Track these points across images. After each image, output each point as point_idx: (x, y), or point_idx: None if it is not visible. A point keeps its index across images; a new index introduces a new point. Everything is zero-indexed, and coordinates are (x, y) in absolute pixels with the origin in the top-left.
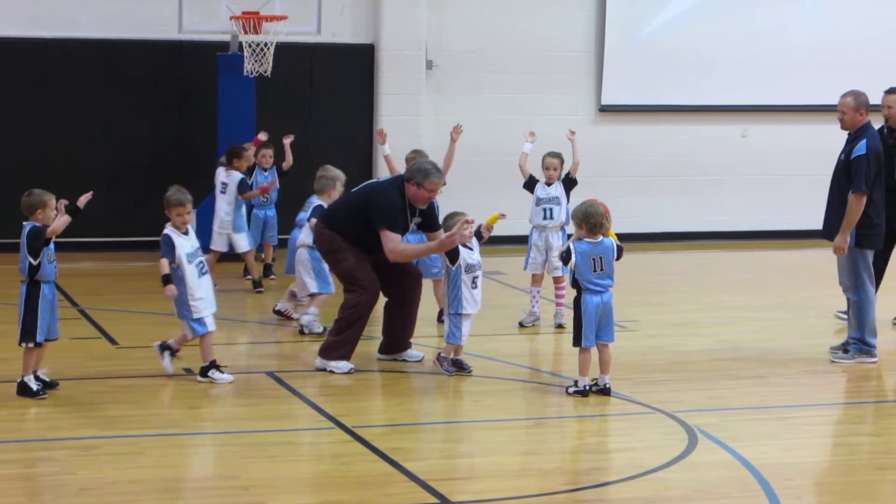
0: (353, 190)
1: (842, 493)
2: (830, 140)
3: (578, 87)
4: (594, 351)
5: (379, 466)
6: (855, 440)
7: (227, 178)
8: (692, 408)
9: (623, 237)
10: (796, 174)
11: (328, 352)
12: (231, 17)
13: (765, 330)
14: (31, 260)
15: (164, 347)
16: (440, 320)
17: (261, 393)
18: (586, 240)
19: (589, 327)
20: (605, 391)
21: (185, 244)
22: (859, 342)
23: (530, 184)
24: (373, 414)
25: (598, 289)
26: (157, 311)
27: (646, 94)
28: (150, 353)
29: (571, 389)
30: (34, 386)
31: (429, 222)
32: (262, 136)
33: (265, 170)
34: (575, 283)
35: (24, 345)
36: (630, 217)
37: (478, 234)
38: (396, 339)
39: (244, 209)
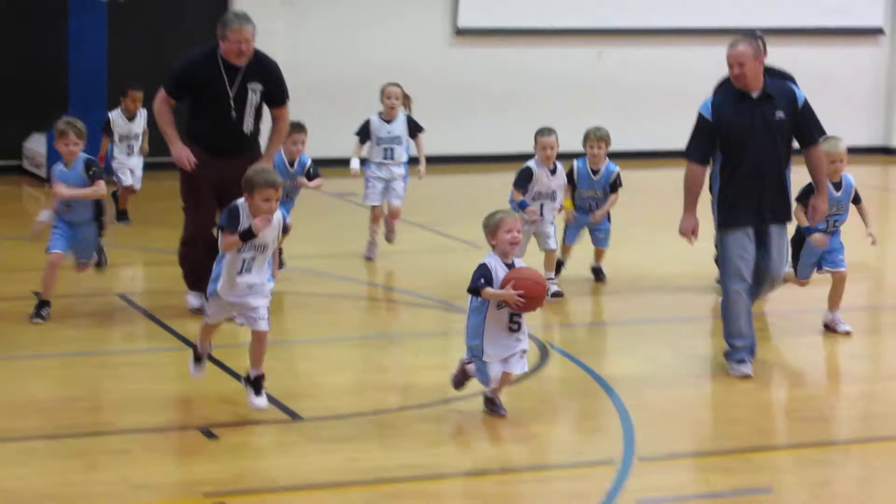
0: None
1: (690, 404)
2: (683, 62)
3: (433, 10)
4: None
5: (231, 385)
6: (704, 352)
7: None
8: (545, 323)
9: (477, 158)
10: (649, 96)
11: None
12: None
13: (615, 248)
14: None
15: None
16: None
17: (113, 314)
18: None
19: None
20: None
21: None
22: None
23: (365, 127)
24: (225, 334)
25: None
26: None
27: (501, 17)
28: None
29: None
30: None
31: (273, 96)
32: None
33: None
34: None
35: None
36: (486, 139)
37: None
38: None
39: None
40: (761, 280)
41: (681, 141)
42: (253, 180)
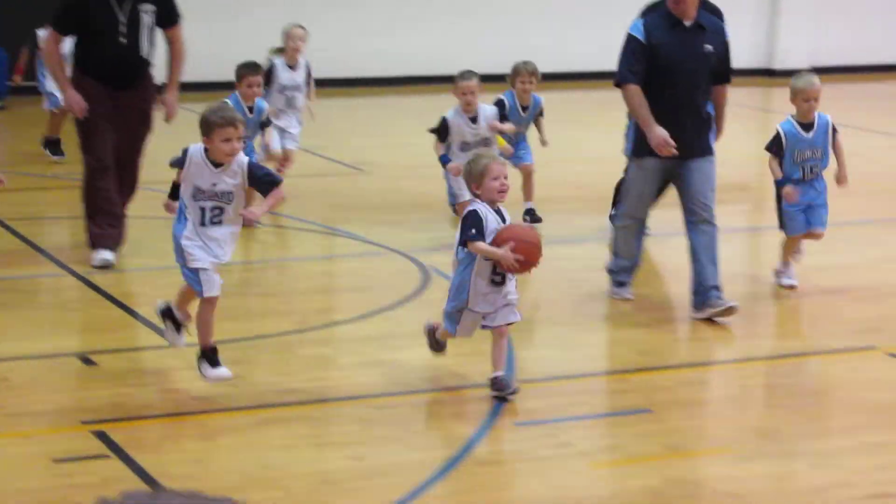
0: None
1: (570, 327)
2: None
3: None
4: None
5: (112, 312)
6: (588, 276)
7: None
8: (427, 247)
9: (362, 81)
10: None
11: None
12: None
13: None
14: None
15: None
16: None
17: None
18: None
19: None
20: None
21: None
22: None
23: (270, 73)
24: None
25: None
26: None
27: None
28: None
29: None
30: None
31: (164, 16)
32: None
33: None
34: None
35: None
36: (373, 63)
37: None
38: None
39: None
40: (691, 205)
41: (587, 63)
42: (210, 120)
